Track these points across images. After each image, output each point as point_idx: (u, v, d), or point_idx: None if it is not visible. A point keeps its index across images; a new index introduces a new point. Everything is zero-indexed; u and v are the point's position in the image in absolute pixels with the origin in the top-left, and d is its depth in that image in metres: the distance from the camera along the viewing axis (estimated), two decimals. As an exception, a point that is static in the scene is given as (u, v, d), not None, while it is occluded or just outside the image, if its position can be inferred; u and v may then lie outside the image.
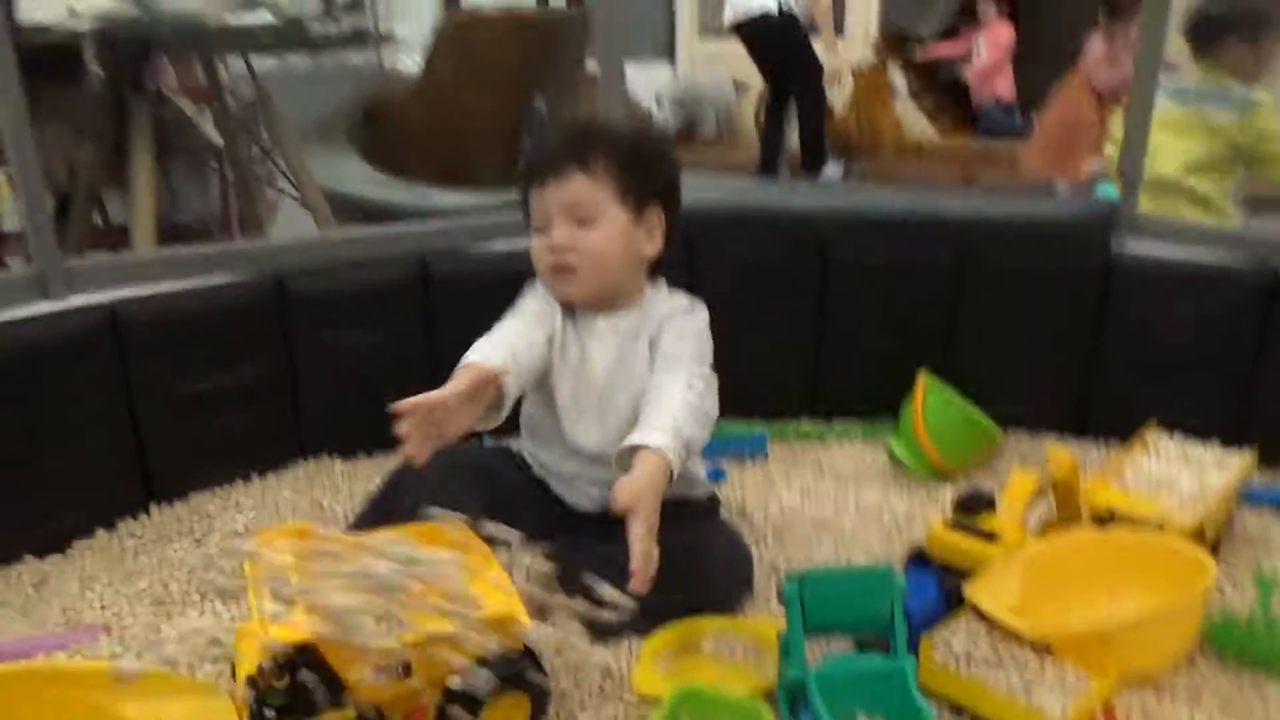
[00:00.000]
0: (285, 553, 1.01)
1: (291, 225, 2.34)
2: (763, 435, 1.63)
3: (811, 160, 3.73)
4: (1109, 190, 2.43)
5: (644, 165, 1.22)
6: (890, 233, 1.63)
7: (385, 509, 1.25)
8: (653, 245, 1.24)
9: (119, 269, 1.46)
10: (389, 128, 2.06)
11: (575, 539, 1.21)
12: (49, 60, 1.84)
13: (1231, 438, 1.49)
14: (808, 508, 1.47)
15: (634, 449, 1.08)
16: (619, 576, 1.13)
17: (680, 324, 1.24)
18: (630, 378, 1.24)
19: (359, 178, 2.26)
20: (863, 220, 1.63)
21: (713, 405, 1.20)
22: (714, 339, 1.28)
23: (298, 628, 0.90)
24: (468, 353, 1.12)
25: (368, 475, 1.53)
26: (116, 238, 2.11)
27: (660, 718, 0.93)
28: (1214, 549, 1.22)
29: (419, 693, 0.97)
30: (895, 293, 1.65)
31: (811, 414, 1.74)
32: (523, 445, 1.35)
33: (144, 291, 1.42)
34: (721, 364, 1.30)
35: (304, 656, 0.90)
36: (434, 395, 1.03)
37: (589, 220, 1.19)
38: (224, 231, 2.28)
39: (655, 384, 1.18)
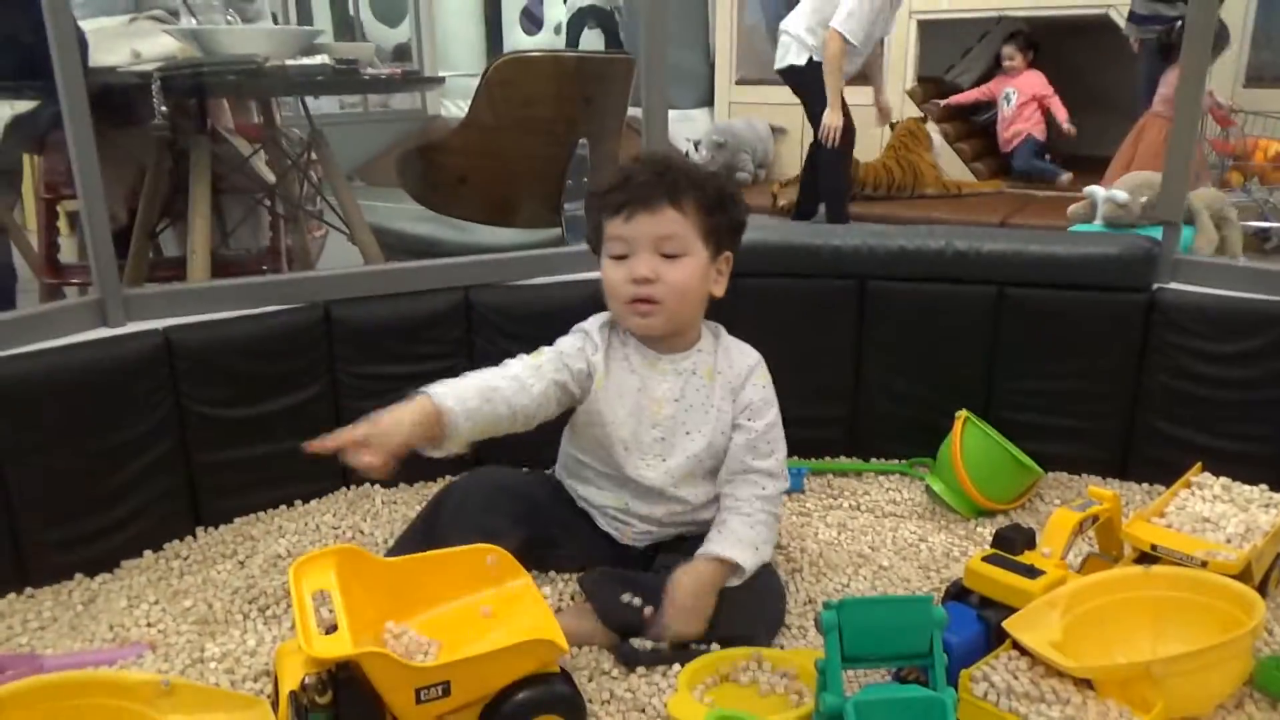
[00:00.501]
0: (329, 572, 1.03)
1: (339, 262, 2.41)
2: (800, 470, 1.63)
3: (831, 211, 3.72)
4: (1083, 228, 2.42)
5: (725, 208, 1.24)
6: (931, 270, 1.64)
7: (425, 534, 1.27)
8: (720, 287, 1.27)
9: (174, 297, 1.51)
10: (436, 168, 2.11)
11: (618, 568, 1.22)
12: (114, 102, 1.92)
13: (1278, 481, 1.47)
14: (845, 541, 1.46)
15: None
16: (658, 603, 1.15)
17: (761, 387, 1.26)
18: (694, 416, 1.25)
19: (406, 215, 2.31)
20: (903, 258, 1.64)
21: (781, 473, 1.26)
22: None
23: (342, 645, 0.92)
24: (437, 384, 1.14)
25: (407, 503, 1.56)
26: (171, 271, 2.18)
27: (696, 743, 0.93)
28: (1261, 589, 1.20)
29: (457, 712, 0.97)
30: (935, 331, 1.65)
31: (849, 454, 1.74)
32: (564, 480, 1.36)
33: (197, 319, 1.46)
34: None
35: (347, 674, 0.92)
36: (344, 436, 1.05)
37: (675, 255, 1.20)
38: (274, 266, 2.34)
39: (744, 474, 1.23)
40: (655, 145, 1.70)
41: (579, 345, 1.25)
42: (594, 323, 1.29)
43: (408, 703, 0.94)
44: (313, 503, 1.56)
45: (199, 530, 1.46)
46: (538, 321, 1.61)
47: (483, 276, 1.65)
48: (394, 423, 1.07)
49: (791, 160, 5.61)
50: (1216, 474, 1.39)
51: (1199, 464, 1.42)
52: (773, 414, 1.27)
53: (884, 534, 1.48)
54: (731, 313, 1.33)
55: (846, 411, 1.73)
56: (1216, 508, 1.29)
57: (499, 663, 0.97)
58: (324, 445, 1.05)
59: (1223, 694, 1.06)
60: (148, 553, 1.40)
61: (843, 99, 3.53)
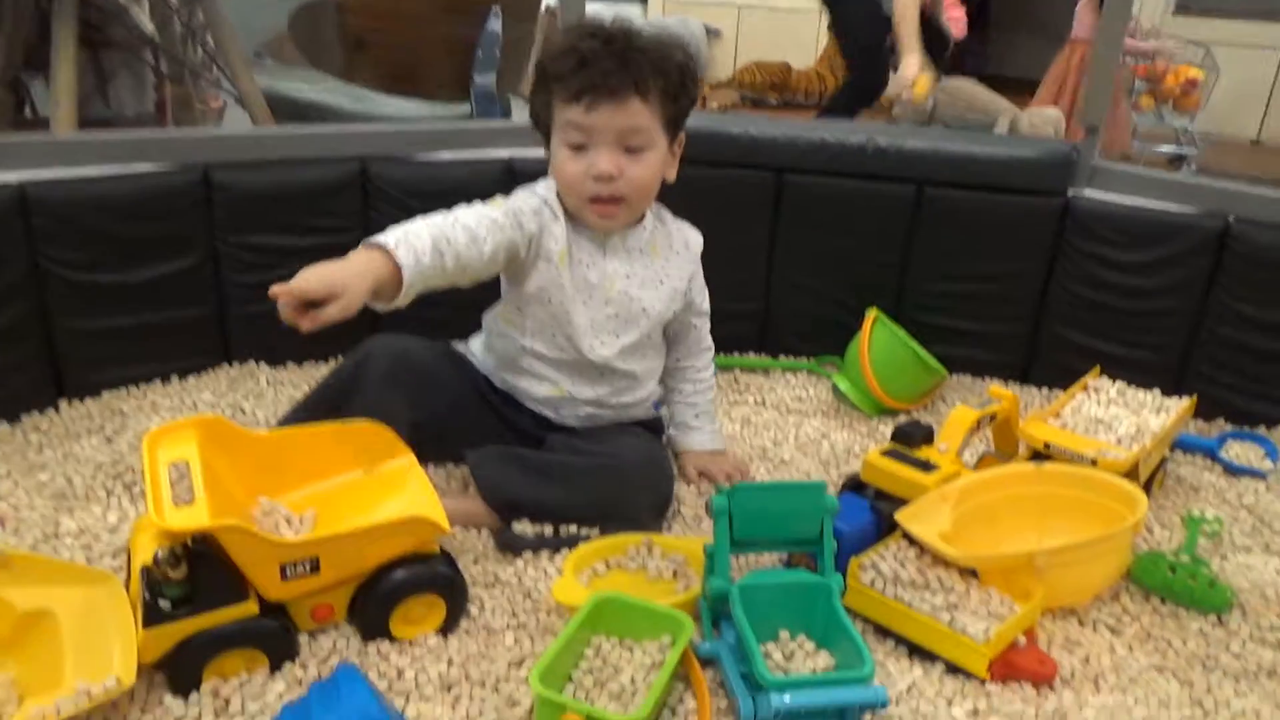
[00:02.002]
0: (190, 443, 0.95)
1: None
2: (707, 365, 1.60)
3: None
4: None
5: (685, 92, 1.16)
6: (851, 165, 1.59)
7: (314, 411, 1.19)
8: (673, 170, 1.20)
9: (32, 148, 1.37)
10: (332, 27, 1.95)
11: (523, 448, 1.18)
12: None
13: (1173, 386, 1.50)
14: (748, 436, 1.44)
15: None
16: (559, 486, 1.11)
17: (700, 263, 1.28)
18: (646, 293, 1.21)
19: (301, 79, 2.16)
20: (824, 150, 1.59)
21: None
22: None
23: (197, 517, 0.85)
24: (388, 230, 1.02)
25: (295, 383, 1.48)
26: (39, 129, 1.99)
27: (577, 623, 0.90)
28: (1146, 488, 1.22)
29: (327, 590, 0.93)
30: (852, 229, 1.62)
31: (758, 351, 1.71)
32: (490, 371, 1.27)
33: (58, 174, 1.33)
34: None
35: (203, 547, 0.86)
36: (303, 286, 0.93)
37: (638, 149, 1.12)
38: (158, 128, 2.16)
39: (698, 362, 1.33)
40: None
41: (535, 207, 1.15)
42: (546, 189, 1.18)
43: (272, 579, 0.89)
44: (190, 379, 1.46)
45: (62, 403, 1.36)
46: (442, 199, 1.51)
47: (382, 147, 1.54)
48: (357, 278, 0.95)
49: (725, 62, 5.48)
50: (1114, 379, 1.40)
51: (1097, 368, 1.43)
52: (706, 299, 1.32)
53: (787, 430, 1.47)
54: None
55: (758, 307, 1.70)
56: (1111, 410, 1.31)
57: (372, 540, 0.92)
58: (283, 290, 0.92)
59: (1101, 586, 1.09)
60: (2, 423, 1.29)
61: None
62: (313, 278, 0.93)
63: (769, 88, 4.70)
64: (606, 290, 1.19)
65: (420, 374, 1.19)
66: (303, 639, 0.94)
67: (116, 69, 2.04)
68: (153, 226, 1.38)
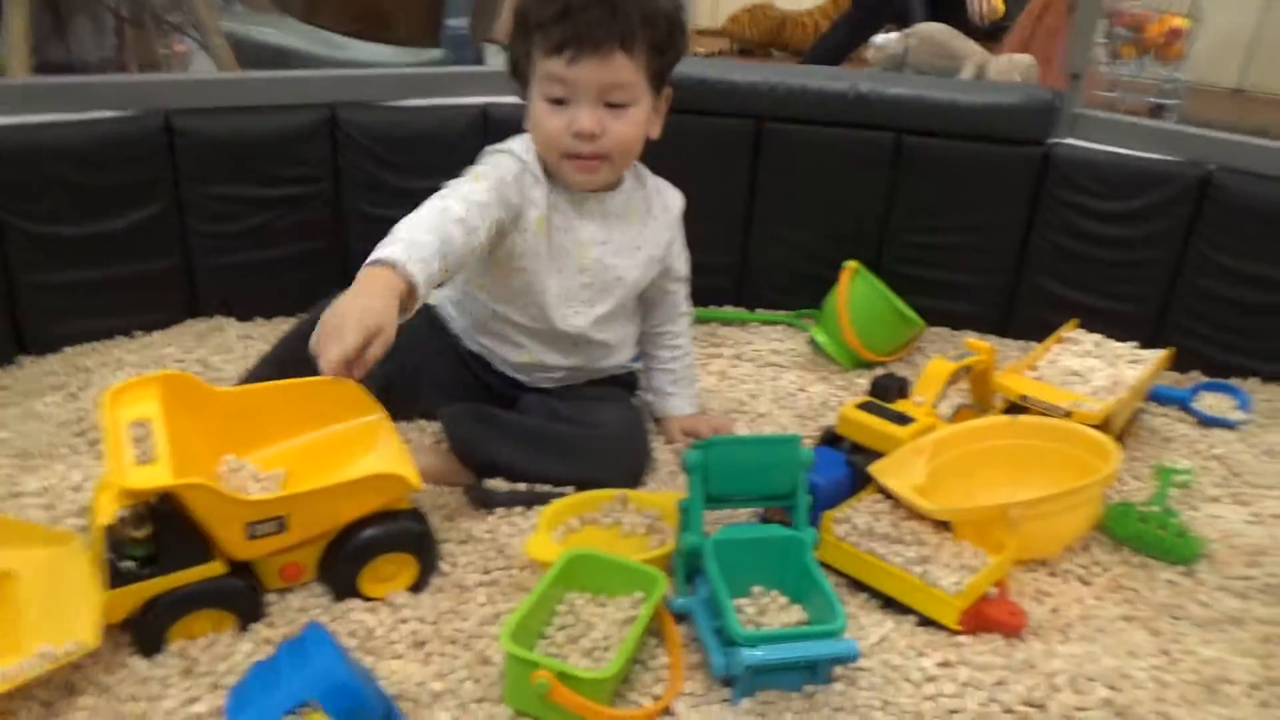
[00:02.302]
0: (152, 400, 0.93)
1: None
2: (684, 317, 1.59)
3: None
4: None
5: (673, 44, 1.11)
6: (831, 113, 1.56)
7: (281, 367, 1.17)
8: (658, 125, 1.16)
9: (-16, 95, 1.32)
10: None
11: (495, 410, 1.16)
12: None
13: (1151, 338, 1.50)
14: (724, 389, 1.43)
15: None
16: (536, 452, 1.09)
17: (682, 225, 1.25)
18: (622, 260, 1.18)
19: (268, 23, 2.09)
20: (804, 97, 1.56)
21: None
22: None
23: (160, 475, 0.83)
24: (389, 241, 0.96)
25: (264, 337, 1.45)
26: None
27: (549, 580, 0.89)
28: (1120, 440, 1.22)
29: (296, 549, 0.92)
30: (831, 179, 1.59)
31: (736, 303, 1.70)
32: (464, 335, 1.24)
33: (14, 121, 1.29)
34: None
35: (167, 506, 0.84)
36: (345, 348, 0.89)
37: (622, 105, 1.08)
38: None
39: (675, 327, 1.29)
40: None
41: (516, 174, 1.10)
42: (524, 149, 1.12)
43: (238, 538, 0.87)
44: (156, 334, 1.43)
45: (23, 358, 1.33)
46: (413, 148, 1.50)
47: (350, 93, 1.50)
48: (385, 308, 0.91)
49: (705, 7, 5.35)
50: (1091, 330, 1.40)
51: (1075, 320, 1.43)
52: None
53: (764, 383, 1.46)
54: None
55: (735, 259, 1.68)
56: (1086, 362, 1.30)
57: (340, 497, 0.91)
58: (333, 367, 0.90)
59: (1072, 537, 1.09)
60: (-39, 380, 1.27)
61: None
62: (348, 333, 0.89)
63: (758, 41, 4.58)
64: (581, 258, 1.16)
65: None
66: (271, 598, 0.93)
67: (75, 11, 1.96)
68: (114, 175, 1.34)
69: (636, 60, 1.07)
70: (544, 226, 1.12)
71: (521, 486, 1.10)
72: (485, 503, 1.09)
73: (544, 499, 1.09)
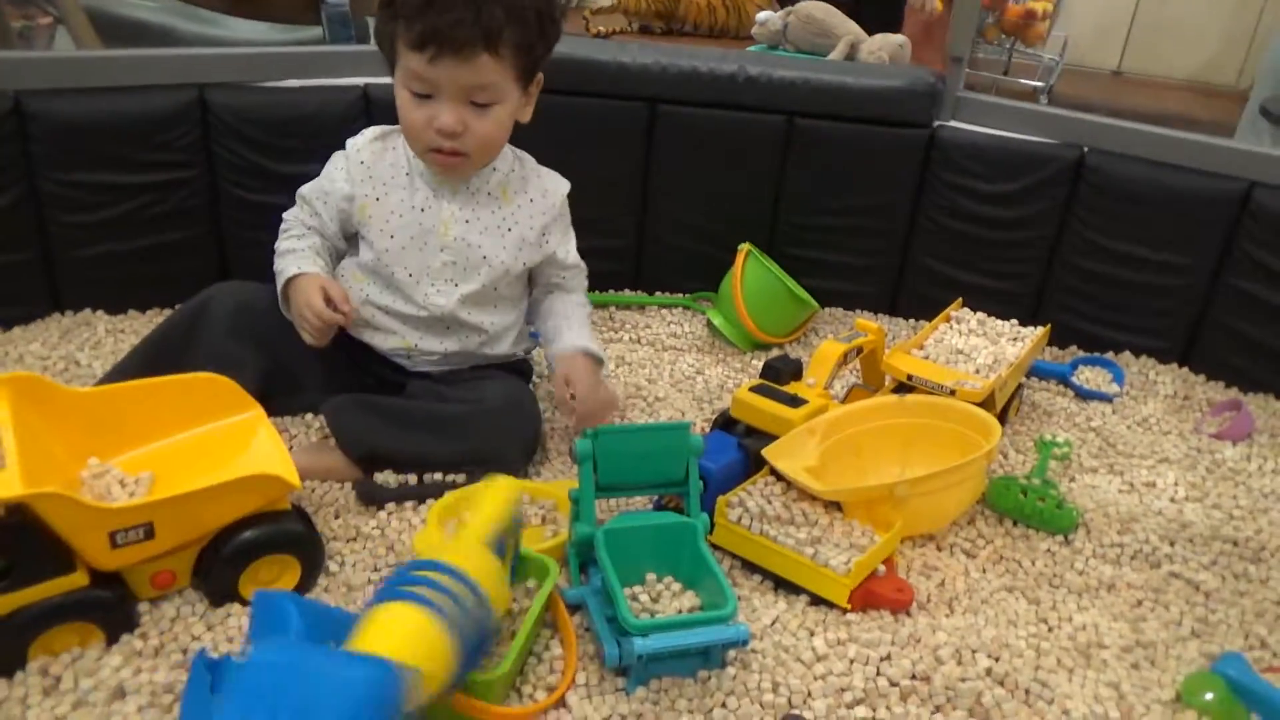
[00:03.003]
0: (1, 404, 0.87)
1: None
2: (581, 302, 1.57)
3: None
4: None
5: (543, 39, 1.08)
6: (722, 95, 1.56)
7: (149, 364, 1.10)
8: (528, 111, 1.14)
9: None
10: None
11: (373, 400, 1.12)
12: None
13: (1031, 315, 1.56)
14: (622, 374, 1.42)
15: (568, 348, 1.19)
16: (423, 434, 1.07)
17: (566, 213, 1.22)
18: (489, 239, 1.15)
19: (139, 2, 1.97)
20: (695, 79, 1.55)
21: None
22: None
23: (8, 485, 0.78)
24: (289, 260, 1.12)
25: (136, 331, 1.38)
26: None
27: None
28: (1002, 416, 1.26)
29: (166, 557, 0.87)
30: (724, 161, 1.59)
31: (633, 287, 1.69)
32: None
33: None
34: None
35: (18, 518, 0.79)
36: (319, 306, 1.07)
37: (486, 104, 1.06)
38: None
39: (573, 299, 1.24)
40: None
41: (332, 173, 1.16)
42: (365, 137, 1.17)
43: (101, 547, 0.82)
44: (17, 329, 1.34)
45: None
46: (290, 131, 1.43)
47: (221, 73, 1.42)
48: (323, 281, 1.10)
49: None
50: (976, 308, 1.44)
51: (959, 299, 1.46)
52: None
53: (662, 367, 1.46)
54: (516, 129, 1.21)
55: (632, 243, 1.66)
56: (970, 340, 1.34)
57: (211, 501, 0.86)
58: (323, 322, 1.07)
59: (957, 513, 1.12)
60: None
61: None
62: (314, 298, 1.07)
63: (654, 15, 4.56)
64: (442, 236, 1.14)
65: (267, 320, 1.12)
66: (144, 608, 0.88)
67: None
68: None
69: (502, 60, 1.04)
70: (367, 211, 1.14)
71: (412, 479, 1.07)
72: (374, 498, 1.06)
73: (435, 492, 1.06)
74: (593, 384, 1.18)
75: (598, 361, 1.20)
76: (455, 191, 1.14)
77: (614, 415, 1.27)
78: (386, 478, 1.07)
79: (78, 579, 0.82)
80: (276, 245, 1.16)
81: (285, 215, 1.19)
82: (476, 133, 1.07)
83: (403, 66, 1.05)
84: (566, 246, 1.23)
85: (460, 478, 1.08)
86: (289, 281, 1.10)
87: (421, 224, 1.13)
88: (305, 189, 1.18)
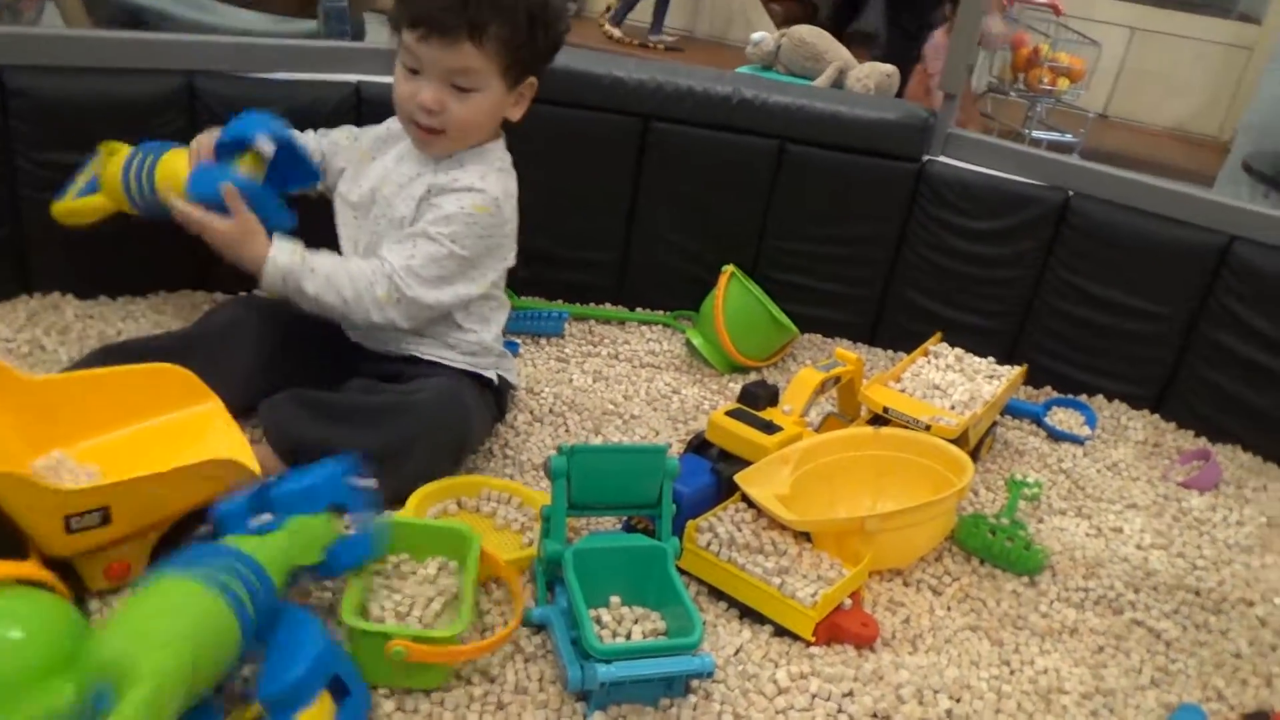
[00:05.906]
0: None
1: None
2: (562, 313, 1.56)
3: None
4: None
5: (535, 39, 1.12)
6: (715, 116, 1.56)
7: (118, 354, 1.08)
8: (518, 111, 1.18)
9: None
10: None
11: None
12: None
13: (1008, 353, 1.57)
14: (599, 389, 1.42)
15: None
16: (343, 426, 1.05)
17: (450, 204, 1.12)
18: (384, 207, 1.17)
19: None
20: (689, 98, 1.55)
21: (435, 282, 1.12)
22: (523, 212, 1.21)
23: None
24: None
25: (106, 318, 1.35)
26: None
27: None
28: (975, 453, 1.27)
29: (122, 543, 0.85)
30: (714, 182, 1.59)
31: (616, 302, 1.68)
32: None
33: None
34: (528, 239, 1.23)
35: (-31, 503, 0.76)
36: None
37: (467, 89, 1.10)
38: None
39: (362, 263, 1.13)
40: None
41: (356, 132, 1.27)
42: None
43: (56, 532, 0.80)
44: (-17, 311, 1.32)
45: None
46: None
47: (211, 61, 1.40)
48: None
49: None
50: (954, 344, 1.44)
51: (939, 333, 1.47)
52: (448, 246, 1.12)
53: (639, 384, 1.45)
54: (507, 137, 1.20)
55: (617, 257, 1.66)
56: (948, 376, 1.35)
57: (169, 486, 0.84)
58: None
59: (926, 549, 1.12)
60: None
61: None
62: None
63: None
64: (350, 194, 1.21)
65: (287, 329, 1.16)
66: (95, 604, 0.86)
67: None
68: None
69: (486, 50, 1.09)
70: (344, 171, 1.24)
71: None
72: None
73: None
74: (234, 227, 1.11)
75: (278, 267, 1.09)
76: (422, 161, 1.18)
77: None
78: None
79: (30, 568, 0.79)
80: None
81: None
82: (454, 114, 1.11)
83: (402, 39, 1.11)
84: (430, 216, 1.13)
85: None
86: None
87: (372, 183, 1.19)
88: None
